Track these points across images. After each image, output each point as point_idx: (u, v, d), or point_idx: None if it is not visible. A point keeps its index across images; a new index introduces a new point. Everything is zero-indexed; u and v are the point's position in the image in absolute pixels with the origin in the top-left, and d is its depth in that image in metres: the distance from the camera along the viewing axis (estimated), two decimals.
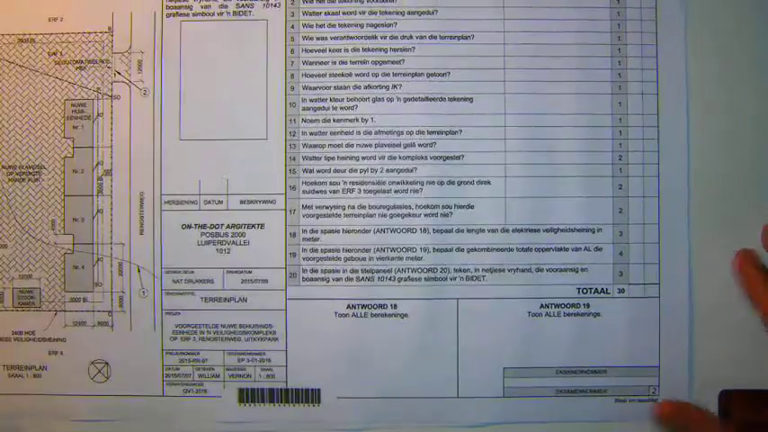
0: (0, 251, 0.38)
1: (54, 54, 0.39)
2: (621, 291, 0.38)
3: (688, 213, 0.38)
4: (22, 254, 0.38)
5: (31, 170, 0.38)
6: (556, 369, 0.38)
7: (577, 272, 0.38)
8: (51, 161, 0.38)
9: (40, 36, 0.39)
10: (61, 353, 0.38)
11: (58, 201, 0.38)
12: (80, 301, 0.38)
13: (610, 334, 0.38)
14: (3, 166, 0.38)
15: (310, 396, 0.38)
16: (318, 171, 0.38)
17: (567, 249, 0.38)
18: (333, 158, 0.38)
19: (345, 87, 0.38)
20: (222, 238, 0.38)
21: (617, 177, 0.38)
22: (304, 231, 0.38)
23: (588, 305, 0.38)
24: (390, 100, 0.38)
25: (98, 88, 0.39)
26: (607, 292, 0.38)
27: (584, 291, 0.38)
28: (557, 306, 0.38)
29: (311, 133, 0.38)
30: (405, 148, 0.38)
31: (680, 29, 0.38)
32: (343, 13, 0.39)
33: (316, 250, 0.38)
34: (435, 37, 0.38)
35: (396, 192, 0.38)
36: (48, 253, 0.38)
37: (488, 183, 0.38)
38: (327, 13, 0.39)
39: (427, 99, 0.38)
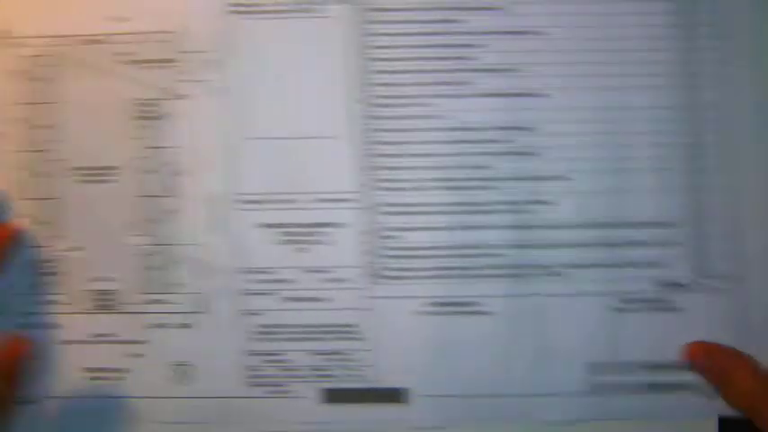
0: (77, 253, 0.38)
1: (121, 54, 0.38)
2: (703, 285, 0.37)
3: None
4: (99, 256, 0.38)
5: (103, 171, 0.38)
6: (641, 364, 0.37)
7: (657, 266, 0.37)
8: (123, 162, 0.38)
9: (108, 37, 0.38)
10: (142, 355, 0.38)
11: (133, 202, 0.38)
12: (159, 302, 0.38)
13: (693, 328, 0.37)
14: (75, 168, 0.38)
15: (396, 395, 0.37)
16: (394, 168, 0.38)
17: (645, 244, 0.38)
18: (408, 156, 0.38)
19: (419, 84, 0.38)
20: (300, 237, 0.38)
21: (695, 171, 0.38)
22: (383, 229, 0.38)
23: (669, 300, 0.37)
24: (466, 96, 0.38)
25: (166, 88, 0.38)
26: (688, 286, 0.37)
27: (665, 285, 0.37)
28: (638, 301, 0.37)
29: (386, 130, 0.38)
30: (481, 144, 0.38)
31: None
32: (416, 9, 0.38)
33: (395, 248, 0.38)
34: (508, 33, 0.38)
35: (473, 188, 0.38)
36: (124, 254, 0.38)
37: (565, 178, 0.38)
38: (399, 9, 0.38)
39: (503, 95, 0.38)
